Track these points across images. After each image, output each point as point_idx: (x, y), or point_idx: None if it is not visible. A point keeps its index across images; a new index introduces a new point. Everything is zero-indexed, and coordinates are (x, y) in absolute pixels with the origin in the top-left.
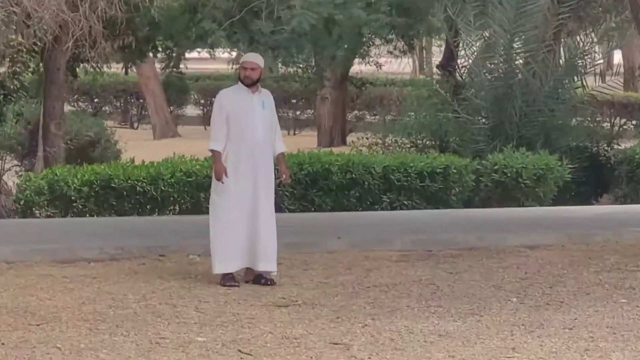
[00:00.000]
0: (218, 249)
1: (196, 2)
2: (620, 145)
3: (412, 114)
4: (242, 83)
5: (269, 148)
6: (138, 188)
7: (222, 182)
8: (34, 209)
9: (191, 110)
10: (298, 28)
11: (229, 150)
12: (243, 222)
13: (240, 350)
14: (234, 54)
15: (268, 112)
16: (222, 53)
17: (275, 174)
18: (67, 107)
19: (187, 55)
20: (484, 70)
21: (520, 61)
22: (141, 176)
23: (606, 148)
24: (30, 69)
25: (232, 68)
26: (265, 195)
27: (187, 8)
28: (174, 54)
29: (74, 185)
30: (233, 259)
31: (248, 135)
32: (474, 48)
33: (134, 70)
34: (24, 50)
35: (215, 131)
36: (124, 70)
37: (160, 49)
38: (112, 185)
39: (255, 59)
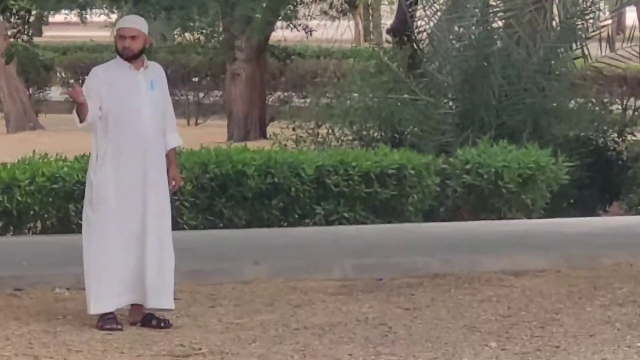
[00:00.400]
0: (94, 280)
1: None
2: (635, 136)
3: (355, 95)
4: (120, 57)
5: (160, 143)
6: None
7: (81, 100)
8: None
9: (57, 94)
10: None
11: (107, 148)
12: (128, 244)
13: None
14: (114, 16)
15: (159, 93)
16: (98, 16)
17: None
18: None
19: (50, 19)
20: (451, 36)
21: (500, 23)
22: None
23: (616, 139)
24: None
25: (113, 36)
26: (157, 207)
27: None
28: (31, 18)
29: None
30: (114, 293)
31: (133, 126)
32: (437, 6)
33: None
34: None
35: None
36: None
37: (13, 11)
38: None
39: (135, 23)
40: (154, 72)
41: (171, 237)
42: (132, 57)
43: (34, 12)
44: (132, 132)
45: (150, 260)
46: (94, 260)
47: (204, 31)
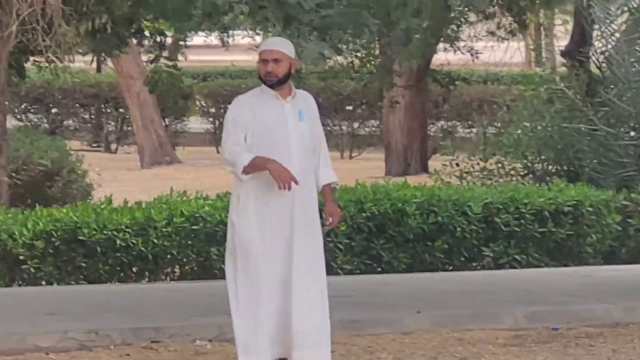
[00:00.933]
0: (244, 333)
1: None
2: None
3: (527, 125)
4: (264, 83)
5: (310, 179)
6: (119, 242)
7: (294, 183)
8: None
9: (196, 124)
10: None
11: (250, 186)
12: (274, 290)
13: None
14: (258, 38)
15: (308, 125)
16: (242, 38)
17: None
18: (12, 122)
19: (188, 42)
20: (632, 59)
21: None
22: (123, 224)
23: None
24: None
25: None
26: (306, 250)
27: None
28: (167, 41)
29: (23, 238)
30: (266, 346)
31: (279, 162)
32: (615, 26)
33: (111, 65)
34: None
35: (232, 146)
36: (95, 65)
37: (148, 34)
38: (80, 237)
39: (278, 45)
40: (303, 101)
41: (325, 283)
42: (276, 83)
43: (170, 35)
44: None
45: (299, 308)
46: (243, 311)
47: (359, 54)
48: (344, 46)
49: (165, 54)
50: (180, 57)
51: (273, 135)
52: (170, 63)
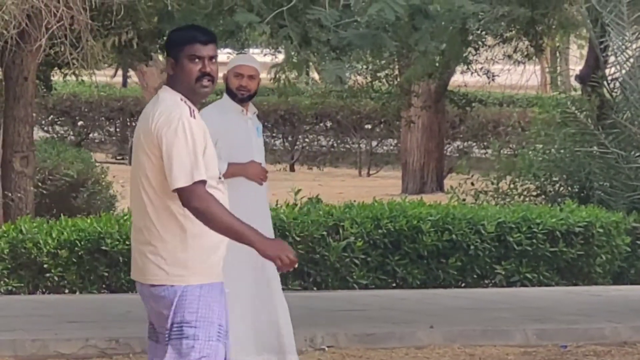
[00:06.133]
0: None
1: None
2: None
3: (540, 147)
4: (230, 97)
5: (268, 192)
6: None
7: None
8: None
9: None
10: (377, 19)
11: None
12: (255, 301)
13: None
14: (281, 56)
15: (261, 141)
16: (263, 55)
17: None
18: (39, 134)
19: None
20: None
21: None
22: None
23: None
24: None
25: (272, 77)
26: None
27: None
28: None
29: (48, 247)
30: (251, 350)
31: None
32: (629, 52)
33: (136, 80)
34: None
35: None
36: (121, 80)
37: None
38: (103, 247)
39: (254, 62)
40: (256, 119)
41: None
42: (247, 98)
43: None
44: (246, 183)
45: (282, 313)
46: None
47: (377, 74)
48: (364, 67)
49: None
50: None
51: (239, 150)
52: None
